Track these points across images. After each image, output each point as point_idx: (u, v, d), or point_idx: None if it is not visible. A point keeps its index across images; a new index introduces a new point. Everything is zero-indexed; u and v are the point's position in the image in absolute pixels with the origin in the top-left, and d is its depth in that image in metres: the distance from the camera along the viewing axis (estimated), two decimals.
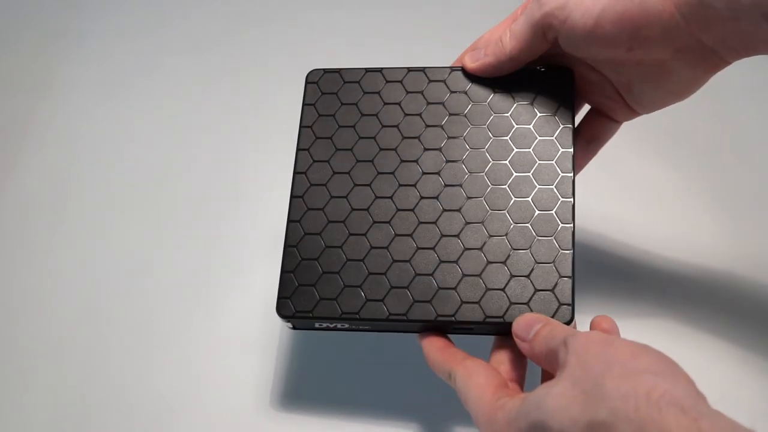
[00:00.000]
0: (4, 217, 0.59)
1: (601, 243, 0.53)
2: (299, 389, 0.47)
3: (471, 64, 0.44)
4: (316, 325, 0.41)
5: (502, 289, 0.39)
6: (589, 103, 0.45)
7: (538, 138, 0.42)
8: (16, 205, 0.59)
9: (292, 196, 0.43)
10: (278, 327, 0.50)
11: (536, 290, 0.38)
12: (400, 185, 0.42)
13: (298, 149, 0.45)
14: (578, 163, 0.44)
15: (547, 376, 0.37)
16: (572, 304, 0.38)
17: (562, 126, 0.42)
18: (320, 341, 0.49)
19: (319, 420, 0.46)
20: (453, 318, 0.39)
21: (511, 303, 0.38)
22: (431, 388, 0.46)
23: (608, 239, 0.53)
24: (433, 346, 0.39)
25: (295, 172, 0.44)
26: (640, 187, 0.55)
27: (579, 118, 0.45)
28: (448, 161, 0.42)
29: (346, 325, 0.40)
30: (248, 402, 0.47)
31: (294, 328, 0.42)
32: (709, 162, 0.56)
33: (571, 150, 0.41)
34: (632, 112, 0.43)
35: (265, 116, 0.64)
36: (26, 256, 0.56)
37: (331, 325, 0.40)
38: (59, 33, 0.70)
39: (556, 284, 0.39)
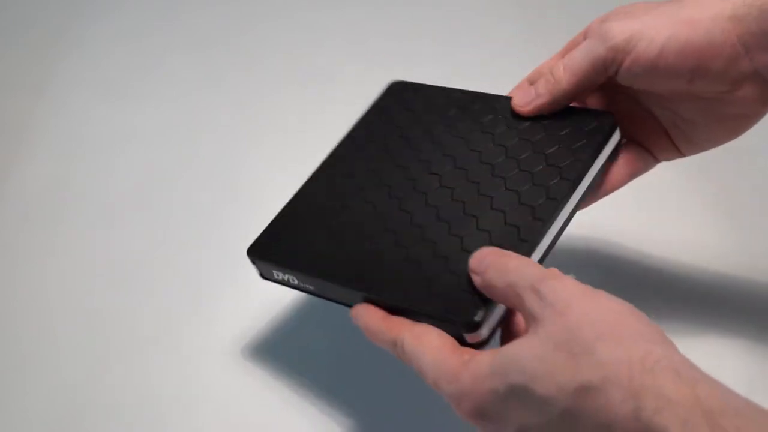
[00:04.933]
0: (4, 216, 0.59)
1: (603, 246, 0.53)
2: (299, 390, 0.47)
3: (525, 108, 0.42)
4: (275, 275, 0.42)
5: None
6: (631, 140, 0.43)
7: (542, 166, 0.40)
8: (15, 205, 0.59)
9: (318, 170, 0.45)
10: (278, 328, 0.50)
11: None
12: (426, 204, 0.40)
13: (348, 133, 0.46)
14: (601, 192, 0.42)
15: (507, 335, 0.35)
16: None
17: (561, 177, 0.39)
18: (321, 345, 0.49)
19: (320, 419, 0.46)
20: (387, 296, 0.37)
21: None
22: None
23: (611, 243, 0.53)
24: (372, 315, 0.36)
25: (332, 151, 0.45)
26: (642, 189, 0.55)
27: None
28: (457, 168, 0.41)
29: (295, 281, 0.41)
30: (249, 402, 0.47)
31: (262, 276, 0.43)
32: (711, 165, 0.56)
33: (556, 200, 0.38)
34: (676, 152, 0.42)
35: (265, 116, 0.64)
36: (26, 256, 0.56)
37: (286, 278, 0.41)
38: (59, 33, 0.70)
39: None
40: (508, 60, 0.69)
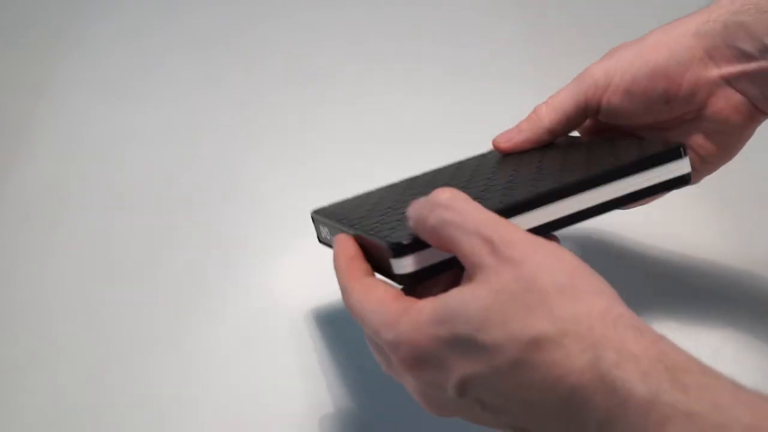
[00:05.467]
0: (4, 216, 0.59)
1: (608, 244, 0.53)
2: (301, 390, 0.47)
3: (504, 144, 0.44)
4: (321, 232, 0.44)
5: None
6: None
7: None
8: (16, 205, 0.59)
9: (388, 185, 0.48)
10: (279, 327, 0.50)
11: None
12: (463, 188, 0.41)
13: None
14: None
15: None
16: None
17: None
18: (324, 345, 0.49)
19: (321, 421, 0.46)
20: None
21: None
22: None
23: (616, 236, 0.53)
24: (344, 251, 0.35)
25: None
26: None
27: None
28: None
29: (329, 236, 0.42)
30: (250, 402, 0.47)
31: (318, 239, 0.45)
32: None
33: None
34: None
35: (265, 116, 0.64)
36: (26, 256, 0.56)
37: (324, 234, 0.43)
38: (59, 33, 0.70)
39: None
40: (508, 60, 0.69)
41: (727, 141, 0.40)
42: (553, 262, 0.27)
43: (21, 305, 0.53)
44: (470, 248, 0.28)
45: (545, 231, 0.36)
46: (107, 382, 0.48)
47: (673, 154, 0.38)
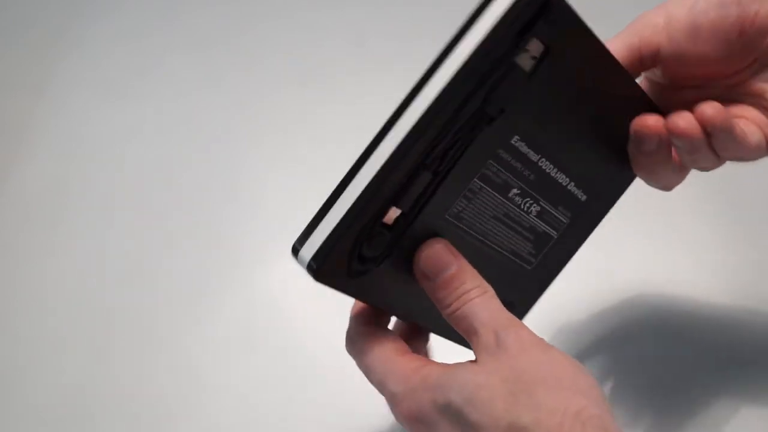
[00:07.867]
0: (4, 216, 0.59)
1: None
2: (301, 388, 0.47)
3: None
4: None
5: None
6: None
7: None
8: (16, 205, 0.59)
9: None
10: (279, 327, 0.50)
11: None
12: None
13: None
14: None
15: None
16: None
17: None
18: (323, 343, 0.49)
19: (322, 420, 0.46)
20: None
21: None
22: None
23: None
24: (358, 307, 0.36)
25: None
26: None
27: None
28: None
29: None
30: (251, 402, 0.47)
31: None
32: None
33: None
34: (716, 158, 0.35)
35: (265, 116, 0.64)
36: (26, 256, 0.56)
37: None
38: (59, 33, 0.70)
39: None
40: None
41: None
42: (546, 359, 0.30)
43: (21, 305, 0.53)
44: (484, 338, 0.31)
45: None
46: (107, 382, 0.48)
47: None
